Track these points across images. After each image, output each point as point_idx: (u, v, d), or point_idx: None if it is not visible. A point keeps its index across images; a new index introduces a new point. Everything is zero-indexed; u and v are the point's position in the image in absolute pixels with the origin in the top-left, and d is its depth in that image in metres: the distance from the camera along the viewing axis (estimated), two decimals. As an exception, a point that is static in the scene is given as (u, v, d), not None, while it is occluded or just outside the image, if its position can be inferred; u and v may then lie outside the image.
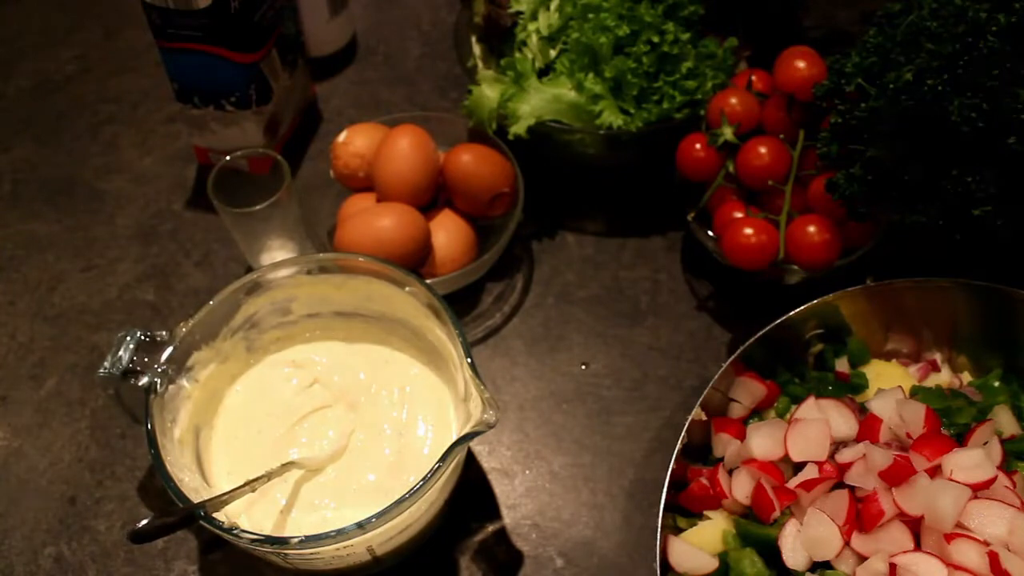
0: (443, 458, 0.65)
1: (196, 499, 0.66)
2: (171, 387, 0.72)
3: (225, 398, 0.78)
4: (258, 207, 0.83)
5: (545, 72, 0.92)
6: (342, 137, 0.91)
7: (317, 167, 0.95)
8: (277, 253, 0.91)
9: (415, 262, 0.86)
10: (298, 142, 1.04)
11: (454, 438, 0.68)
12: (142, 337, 0.71)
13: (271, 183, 0.85)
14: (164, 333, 0.72)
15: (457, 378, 0.74)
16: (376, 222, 0.85)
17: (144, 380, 0.71)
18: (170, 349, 0.72)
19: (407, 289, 0.75)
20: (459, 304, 0.91)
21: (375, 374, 0.79)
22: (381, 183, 0.87)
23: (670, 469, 0.69)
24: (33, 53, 1.13)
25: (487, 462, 0.82)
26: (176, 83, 0.93)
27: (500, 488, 0.81)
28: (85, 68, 1.12)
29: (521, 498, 0.81)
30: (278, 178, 0.85)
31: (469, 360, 0.68)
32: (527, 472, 0.82)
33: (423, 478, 0.64)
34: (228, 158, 0.86)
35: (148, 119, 1.07)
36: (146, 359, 0.71)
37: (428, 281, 0.86)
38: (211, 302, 0.74)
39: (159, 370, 0.71)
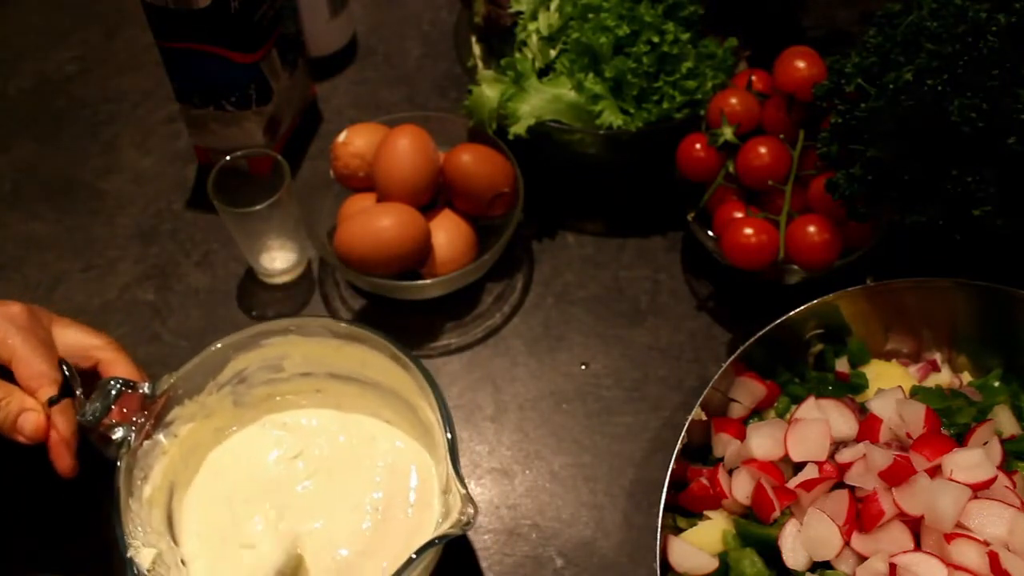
0: (407, 564, 0.62)
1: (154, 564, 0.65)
2: (147, 442, 0.70)
3: (208, 455, 0.76)
4: (258, 207, 0.83)
5: (545, 72, 0.92)
6: (342, 137, 0.91)
7: (317, 167, 0.95)
8: (277, 253, 0.91)
9: (415, 262, 0.86)
10: (298, 142, 1.04)
11: (435, 522, 0.66)
12: (123, 387, 0.69)
13: (271, 183, 0.85)
14: (146, 386, 0.70)
15: (443, 463, 0.69)
16: (376, 222, 0.85)
17: (119, 433, 0.68)
18: (150, 403, 0.70)
19: (400, 365, 0.72)
20: (459, 304, 0.91)
21: (363, 448, 0.76)
22: (381, 183, 0.87)
23: (670, 469, 0.69)
24: (33, 53, 1.13)
25: (487, 462, 0.83)
26: (176, 83, 0.93)
27: (500, 488, 0.81)
28: (85, 68, 1.12)
29: (521, 498, 0.81)
30: (278, 178, 0.85)
31: (450, 442, 0.66)
32: (527, 472, 0.82)
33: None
34: (228, 158, 0.86)
35: (148, 119, 1.07)
36: (124, 410, 0.69)
37: (428, 281, 0.86)
38: (197, 357, 0.72)
39: (136, 423, 0.69)
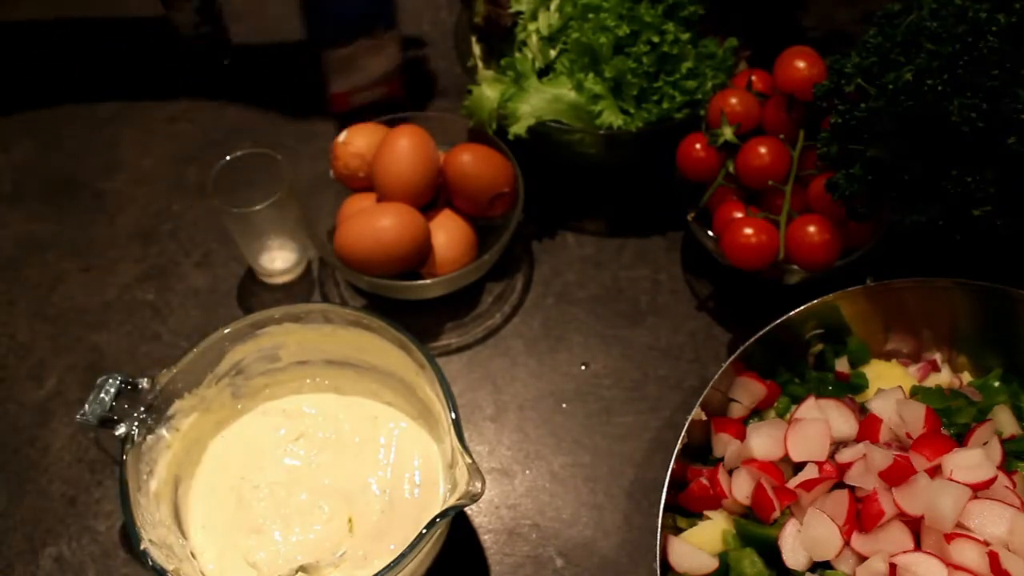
0: (417, 540, 0.62)
1: (166, 558, 0.65)
2: (150, 437, 0.71)
3: (209, 446, 0.77)
4: (258, 207, 0.83)
5: (545, 72, 0.92)
6: (342, 137, 0.91)
7: (317, 167, 0.95)
8: (277, 253, 0.91)
9: (415, 262, 0.86)
10: (298, 142, 1.04)
11: (441, 498, 0.66)
12: (122, 384, 0.69)
13: (271, 183, 0.85)
14: (146, 381, 0.71)
15: (446, 440, 0.71)
16: (376, 222, 0.85)
17: (121, 429, 0.69)
18: (150, 398, 0.70)
19: (398, 345, 0.73)
20: (459, 304, 0.91)
21: (364, 430, 0.77)
22: (381, 183, 0.87)
23: (670, 469, 0.69)
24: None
25: (487, 462, 0.83)
26: (314, 28, 0.94)
27: (500, 488, 0.81)
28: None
29: (521, 498, 0.81)
30: (278, 178, 0.85)
31: (454, 418, 0.66)
32: (527, 472, 0.82)
33: (400, 554, 0.62)
34: (228, 158, 0.86)
35: (149, 119, 1.07)
36: (125, 406, 0.69)
37: (428, 281, 0.86)
38: (195, 349, 0.72)
39: (138, 419, 0.69)
